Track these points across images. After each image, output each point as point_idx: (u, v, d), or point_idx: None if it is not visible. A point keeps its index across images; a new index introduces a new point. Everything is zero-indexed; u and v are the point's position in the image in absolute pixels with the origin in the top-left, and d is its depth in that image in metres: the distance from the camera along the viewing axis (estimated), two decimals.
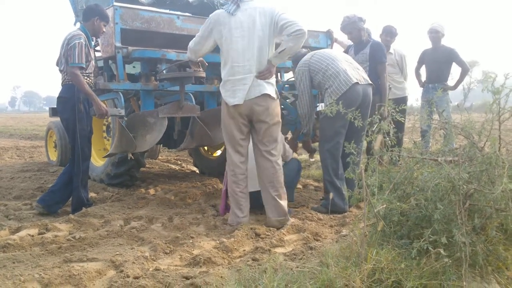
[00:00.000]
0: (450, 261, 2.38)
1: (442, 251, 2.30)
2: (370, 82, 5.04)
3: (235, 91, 4.27)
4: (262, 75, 4.26)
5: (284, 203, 4.41)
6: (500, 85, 2.70)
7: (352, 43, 6.19)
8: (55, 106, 5.88)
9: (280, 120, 4.50)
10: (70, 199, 5.03)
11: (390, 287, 2.22)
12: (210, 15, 4.41)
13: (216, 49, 4.59)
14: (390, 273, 2.26)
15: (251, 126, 4.43)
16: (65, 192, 5.00)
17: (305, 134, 5.34)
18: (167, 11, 6.37)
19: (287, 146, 5.09)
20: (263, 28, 4.23)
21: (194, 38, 4.53)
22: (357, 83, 4.80)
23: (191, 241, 3.84)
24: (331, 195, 4.27)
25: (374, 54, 5.71)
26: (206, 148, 7.95)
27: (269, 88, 4.33)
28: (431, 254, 2.39)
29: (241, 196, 4.39)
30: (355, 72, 4.92)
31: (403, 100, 7.18)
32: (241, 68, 4.23)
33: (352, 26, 5.79)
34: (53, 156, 8.81)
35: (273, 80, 4.40)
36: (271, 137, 4.40)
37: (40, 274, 2.97)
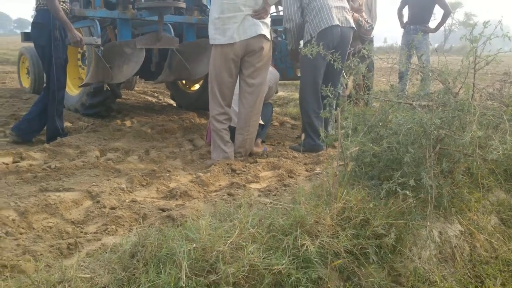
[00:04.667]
0: (416, 202, 2.51)
1: (407, 192, 2.42)
2: (353, 25, 5.01)
3: (225, 30, 4.23)
4: (258, 14, 4.22)
5: (250, 144, 4.61)
6: (478, 34, 2.76)
7: None
8: (28, 31, 5.74)
9: (270, 61, 4.52)
10: (45, 128, 5.03)
11: (358, 225, 2.34)
12: None
13: None
14: (358, 212, 2.38)
15: (241, 65, 4.43)
16: (40, 121, 4.98)
17: (293, 49, 5.33)
18: None
19: (273, 89, 5.11)
20: None
21: None
22: (337, 25, 4.77)
23: (167, 174, 3.92)
24: (303, 136, 4.36)
25: None
26: (184, 81, 7.92)
27: (265, 28, 4.32)
28: (398, 195, 2.51)
29: (226, 133, 4.46)
30: (340, 12, 4.87)
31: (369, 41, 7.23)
32: (231, 5, 4.17)
33: None
34: (26, 83, 8.67)
35: (268, 20, 4.37)
36: (259, 77, 4.45)
37: (16, 202, 3.03)
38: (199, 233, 2.10)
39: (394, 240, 2.30)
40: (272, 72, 4.94)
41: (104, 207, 3.09)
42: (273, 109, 5.62)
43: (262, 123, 4.85)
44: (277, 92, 5.39)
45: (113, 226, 2.81)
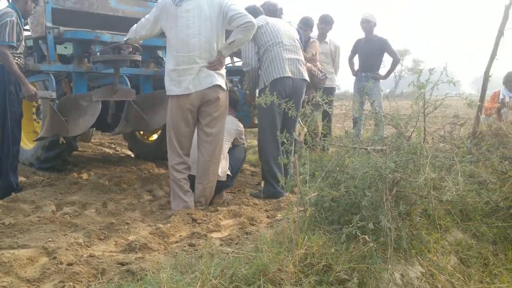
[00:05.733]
0: (376, 246, 2.53)
1: (366, 237, 2.45)
2: (306, 78, 5.15)
3: (180, 81, 4.27)
4: (213, 65, 4.29)
5: (210, 193, 4.56)
6: (425, 80, 2.88)
7: None
8: None
9: (227, 110, 4.58)
10: None
11: (321, 271, 2.34)
12: (158, 1, 4.39)
13: None
14: (321, 258, 2.38)
15: (198, 115, 4.44)
16: None
17: (250, 93, 5.40)
18: None
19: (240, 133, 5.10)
20: (211, 18, 4.24)
21: (140, 20, 4.51)
22: (289, 76, 4.93)
23: (126, 227, 3.84)
24: (262, 183, 4.39)
25: None
26: (141, 132, 7.86)
27: (220, 79, 4.37)
28: (359, 239, 2.53)
29: (185, 182, 4.43)
30: (293, 64, 5.01)
31: (331, 90, 7.42)
32: (186, 58, 4.23)
33: None
34: None
35: (223, 71, 4.44)
36: (216, 126, 4.47)
37: None
38: (160, 287, 2.05)
39: (357, 285, 2.30)
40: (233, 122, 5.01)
41: (61, 263, 2.98)
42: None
43: (229, 173, 4.82)
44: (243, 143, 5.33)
45: (71, 283, 2.70)
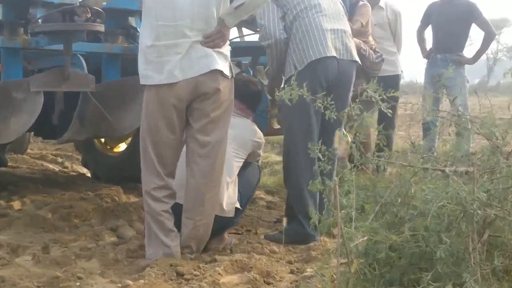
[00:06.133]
0: None
1: None
2: (356, 58, 5.09)
3: (162, 64, 4.22)
4: (211, 40, 4.24)
5: (205, 233, 4.54)
6: None
7: None
8: None
9: (231, 108, 4.53)
10: None
11: None
12: None
13: None
14: None
15: (187, 115, 4.43)
16: None
17: (271, 79, 5.49)
18: None
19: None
20: None
21: None
22: (334, 57, 4.86)
23: (78, 283, 3.84)
24: (284, 220, 4.36)
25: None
26: (103, 140, 7.87)
27: (222, 61, 4.32)
28: None
29: (167, 217, 4.39)
30: (338, 38, 4.95)
31: (394, 79, 7.38)
32: (171, 28, 4.20)
33: None
34: None
35: (226, 49, 4.41)
36: (216, 133, 4.43)
37: None
38: None
39: None
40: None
41: None
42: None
43: (238, 206, 4.80)
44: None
45: None
